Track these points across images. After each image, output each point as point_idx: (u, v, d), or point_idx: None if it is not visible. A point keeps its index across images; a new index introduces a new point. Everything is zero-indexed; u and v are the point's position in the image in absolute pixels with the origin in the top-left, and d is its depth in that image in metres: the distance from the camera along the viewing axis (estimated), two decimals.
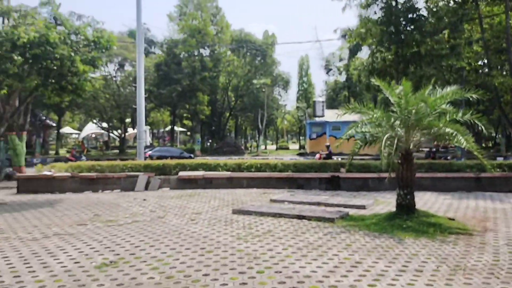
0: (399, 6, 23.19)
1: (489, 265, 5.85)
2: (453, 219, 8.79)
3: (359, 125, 9.04)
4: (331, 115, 39.76)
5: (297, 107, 63.34)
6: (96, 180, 14.97)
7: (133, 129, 47.74)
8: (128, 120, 48.81)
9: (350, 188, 14.43)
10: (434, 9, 24.16)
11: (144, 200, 12.27)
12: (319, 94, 67.27)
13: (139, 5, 21.49)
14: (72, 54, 11.72)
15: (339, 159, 18.99)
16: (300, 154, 43.27)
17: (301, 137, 66.20)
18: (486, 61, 26.52)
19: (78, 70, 12.02)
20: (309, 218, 9.04)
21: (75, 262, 6.06)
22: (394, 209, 9.11)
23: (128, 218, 9.50)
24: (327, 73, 63.02)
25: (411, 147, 8.85)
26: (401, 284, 5.11)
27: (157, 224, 8.82)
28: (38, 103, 31.71)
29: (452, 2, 24.09)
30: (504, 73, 25.07)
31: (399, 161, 8.68)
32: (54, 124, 49.35)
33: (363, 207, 10.59)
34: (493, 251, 6.56)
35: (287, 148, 63.71)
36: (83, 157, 29.83)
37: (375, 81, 9.51)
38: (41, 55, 11.13)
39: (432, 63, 23.77)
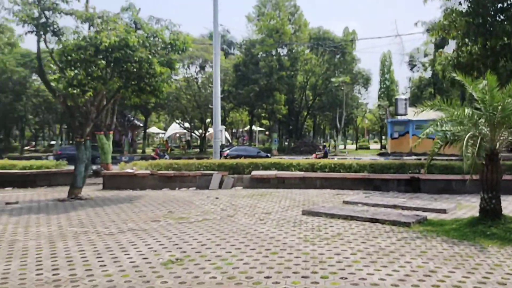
0: None
1: None
2: None
3: (438, 123, 8.40)
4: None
5: (379, 105, 61.11)
6: (173, 178, 15.53)
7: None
8: (208, 120, 50.31)
9: (431, 191, 13.51)
10: None
11: (217, 198, 12.46)
12: (402, 91, 64.36)
13: (216, 7, 21.97)
14: (150, 56, 12.19)
15: (422, 159, 17.94)
16: (380, 154, 41.68)
17: (382, 137, 63.88)
18: None
19: (155, 72, 12.48)
20: (382, 222, 8.57)
21: (144, 258, 6.24)
22: (478, 214, 8.35)
23: (199, 216, 9.67)
24: (411, 69, 60.04)
25: (497, 146, 8.03)
26: None
27: (226, 222, 8.87)
28: (126, 105, 33.71)
29: None
30: None
31: (483, 162, 7.91)
32: (141, 124, 52.36)
33: (443, 211, 9.84)
34: None
35: (368, 148, 61.84)
36: (166, 156, 31.26)
37: (456, 76, 8.77)
38: (121, 58, 11.72)
39: None
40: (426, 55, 56.17)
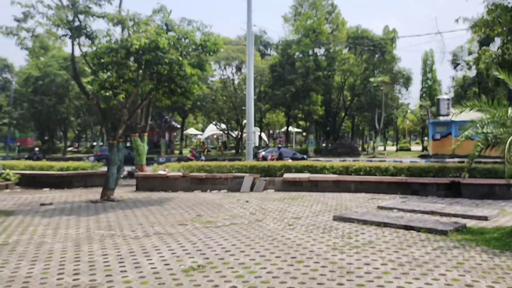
0: None
1: None
2: None
3: (479, 125, 7.84)
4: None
5: (420, 106, 59.20)
6: (205, 180, 15.47)
7: None
8: (244, 121, 50.37)
9: (473, 196, 12.78)
10: None
11: (247, 201, 12.26)
12: (445, 91, 62.13)
13: (249, 7, 21.81)
14: (180, 58, 12.15)
15: (465, 161, 17.07)
16: (421, 156, 40.30)
17: (424, 138, 61.88)
18: None
19: (186, 74, 12.43)
20: (418, 229, 8.09)
21: (165, 264, 6.11)
22: None
23: (226, 220, 9.49)
24: (454, 68, 57.83)
25: None
26: None
27: (253, 227, 8.64)
28: (163, 106, 34.18)
29: None
30: None
31: None
32: (178, 126, 53.06)
33: (484, 218, 9.22)
34: None
35: (408, 150, 59.98)
36: (202, 157, 31.46)
37: (499, 74, 8.17)
38: (152, 60, 11.73)
39: None
40: (470, 53, 53.89)
